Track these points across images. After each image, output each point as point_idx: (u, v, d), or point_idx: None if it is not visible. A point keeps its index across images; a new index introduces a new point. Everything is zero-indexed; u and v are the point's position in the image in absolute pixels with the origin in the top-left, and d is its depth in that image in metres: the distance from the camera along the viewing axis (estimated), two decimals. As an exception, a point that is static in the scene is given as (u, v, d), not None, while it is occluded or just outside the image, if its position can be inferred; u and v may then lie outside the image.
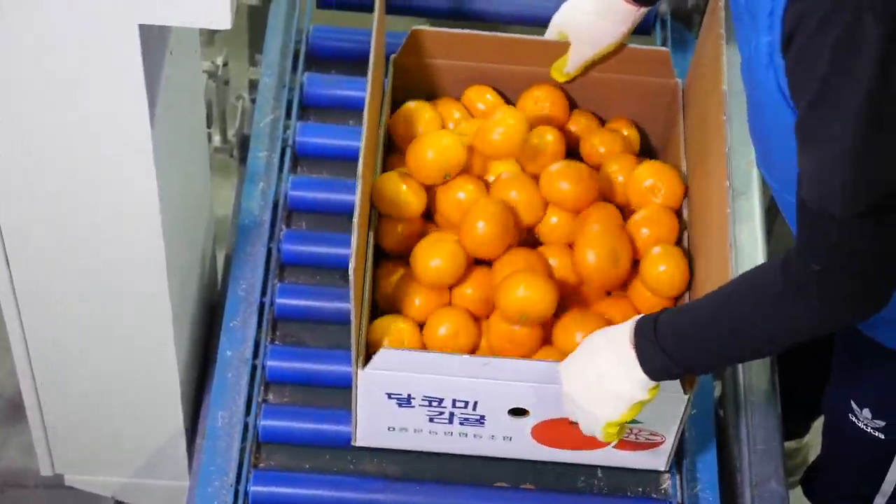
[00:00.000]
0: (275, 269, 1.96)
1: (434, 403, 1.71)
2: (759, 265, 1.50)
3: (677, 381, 1.64)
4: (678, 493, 1.81)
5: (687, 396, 1.67)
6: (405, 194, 1.81)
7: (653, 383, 1.56)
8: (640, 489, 1.82)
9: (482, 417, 1.73)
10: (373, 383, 1.68)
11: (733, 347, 1.53)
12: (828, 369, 1.96)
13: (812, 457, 2.43)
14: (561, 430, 1.73)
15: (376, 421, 1.74)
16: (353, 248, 1.57)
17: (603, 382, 1.58)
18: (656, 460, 1.79)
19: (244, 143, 2.38)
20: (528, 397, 1.69)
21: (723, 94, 1.69)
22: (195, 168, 1.94)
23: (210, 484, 1.78)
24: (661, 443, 1.75)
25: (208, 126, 2.27)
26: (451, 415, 1.73)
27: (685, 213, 1.86)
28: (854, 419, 1.84)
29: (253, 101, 2.34)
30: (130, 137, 1.59)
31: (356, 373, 1.67)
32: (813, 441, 2.49)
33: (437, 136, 1.86)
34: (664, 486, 1.82)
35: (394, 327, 1.74)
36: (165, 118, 1.65)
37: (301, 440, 1.84)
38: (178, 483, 2.09)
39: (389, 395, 1.70)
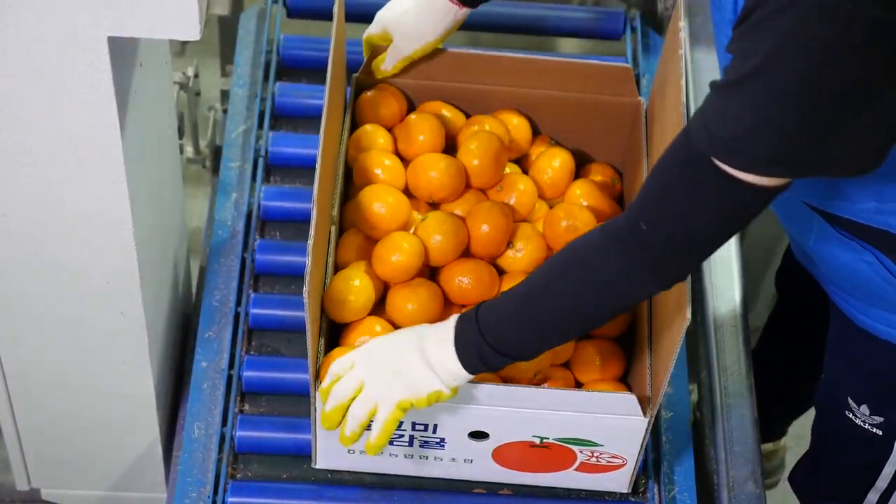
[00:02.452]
0: (249, 280, 1.96)
1: None
2: (584, 236, 1.53)
3: (637, 405, 1.65)
4: (655, 497, 1.81)
5: (647, 419, 1.67)
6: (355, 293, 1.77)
7: (462, 381, 1.58)
8: (605, 492, 1.82)
9: (442, 440, 1.72)
10: None
11: (550, 324, 1.54)
12: (806, 371, 1.96)
13: (789, 458, 2.44)
14: (522, 453, 1.73)
15: (336, 443, 1.73)
16: (307, 273, 1.56)
17: (410, 367, 1.59)
18: (618, 483, 1.79)
19: (217, 154, 2.38)
20: (487, 420, 1.69)
21: (682, 115, 1.69)
22: (167, 180, 1.94)
23: (187, 496, 1.78)
24: (623, 465, 1.75)
25: (180, 137, 2.27)
26: (412, 437, 1.72)
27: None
28: (851, 416, 1.84)
29: (225, 111, 2.34)
30: (101, 150, 1.59)
31: (314, 395, 1.66)
32: (789, 442, 2.50)
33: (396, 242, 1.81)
34: (641, 489, 1.82)
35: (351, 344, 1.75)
36: (136, 130, 1.65)
37: (278, 450, 1.83)
38: (156, 495, 2.09)
39: None
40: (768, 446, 2.45)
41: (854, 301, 1.75)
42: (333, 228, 1.79)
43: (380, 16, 1.89)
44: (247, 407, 1.88)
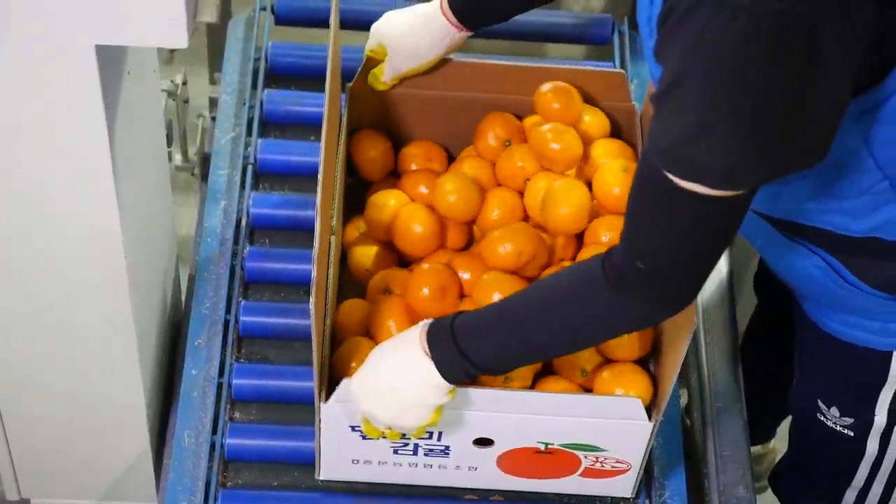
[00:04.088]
0: (239, 287, 1.96)
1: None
2: (578, 265, 1.53)
3: (642, 409, 1.65)
4: (647, 502, 1.81)
5: (652, 423, 1.67)
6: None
7: (452, 386, 1.58)
8: (610, 497, 1.82)
9: (447, 448, 1.72)
10: (336, 416, 1.67)
11: (538, 346, 1.55)
12: (786, 375, 1.97)
13: (778, 460, 2.45)
14: (526, 459, 1.73)
15: (340, 454, 1.73)
16: (314, 282, 1.56)
17: (400, 396, 1.58)
18: (623, 487, 1.79)
19: (205, 162, 2.37)
20: (492, 427, 1.69)
21: None
22: (156, 188, 1.94)
23: (178, 504, 1.78)
24: (627, 470, 1.75)
25: (169, 145, 2.27)
26: (416, 446, 1.72)
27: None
28: (822, 418, 1.85)
29: (213, 119, 2.34)
30: (90, 159, 1.59)
31: (318, 406, 1.66)
32: (779, 445, 2.51)
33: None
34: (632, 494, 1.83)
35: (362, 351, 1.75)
36: (125, 139, 1.65)
37: (268, 458, 1.83)
38: (146, 504, 2.09)
39: (353, 428, 1.69)
40: (758, 449, 2.45)
41: (814, 305, 1.76)
42: (334, 239, 1.79)
43: (377, 30, 1.88)
44: (237, 415, 1.87)
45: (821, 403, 1.84)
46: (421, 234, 1.86)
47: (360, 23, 2.24)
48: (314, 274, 1.56)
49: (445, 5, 1.81)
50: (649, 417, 1.66)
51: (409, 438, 1.70)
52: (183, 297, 2.17)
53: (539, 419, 1.67)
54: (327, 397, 1.65)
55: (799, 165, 1.38)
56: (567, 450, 1.71)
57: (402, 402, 1.58)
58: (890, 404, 1.78)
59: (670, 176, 1.36)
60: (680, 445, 1.86)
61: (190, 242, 2.21)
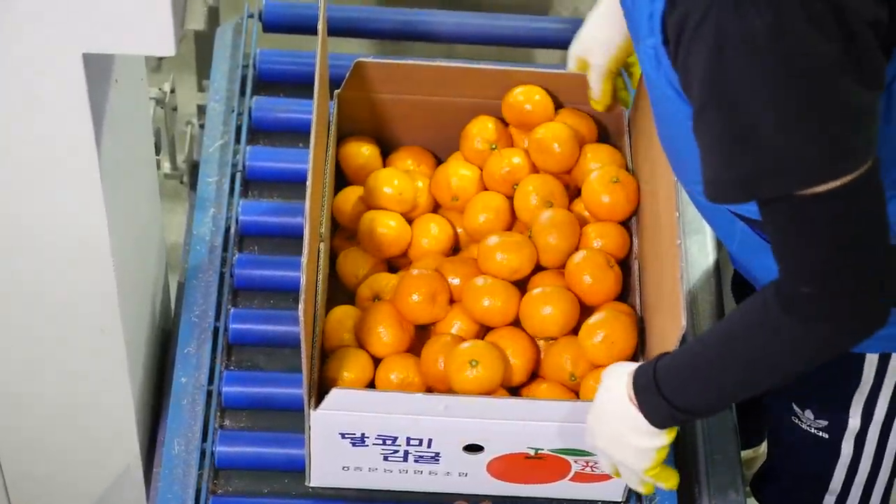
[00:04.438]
0: (228, 295, 1.96)
1: (388, 442, 1.70)
2: (754, 296, 1.47)
3: None
4: (637, 506, 1.82)
5: None
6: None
7: (665, 429, 1.57)
8: (600, 501, 1.82)
9: (437, 455, 1.72)
10: (326, 423, 1.68)
11: (740, 386, 1.51)
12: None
13: (769, 465, 2.45)
14: (516, 465, 1.73)
15: (330, 460, 1.73)
16: (303, 289, 1.56)
17: (624, 439, 1.58)
18: (613, 491, 1.79)
19: (194, 169, 2.38)
20: (482, 433, 1.69)
21: None
22: (145, 195, 1.94)
23: (168, 512, 1.77)
24: None
25: (157, 153, 2.27)
26: (406, 453, 1.72)
27: (634, 225, 1.87)
28: (797, 421, 1.85)
29: (202, 126, 2.34)
30: (77, 167, 1.58)
31: (308, 414, 1.66)
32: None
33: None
34: (623, 500, 1.83)
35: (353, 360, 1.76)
36: (113, 147, 1.64)
37: (259, 465, 1.83)
38: (137, 512, 2.08)
39: (343, 435, 1.69)
40: (748, 453, 2.45)
41: None
42: (322, 245, 1.79)
43: (576, 50, 1.87)
44: (227, 422, 1.87)
45: (795, 406, 1.84)
46: (387, 234, 1.86)
47: (347, 30, 2.25)
48: (303, 280, 1.56)
49: None
50: None
51: (399, 445, 1.69)
52: (172, 305, 2.16)
53: (528, 425, 1.67)
54: (317, 405, 1.65)
55: (862, 151, 1.32)
56: (557, 455, 1.72)
57: (626, 444, 1.57)
58: (864, 406, 1.78)
59: (775, 192, 1.33)
60: (670, 450, 1.86)
61: (179, 250, 2.21)
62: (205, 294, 1.95)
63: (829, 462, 1.86)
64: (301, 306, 1.54)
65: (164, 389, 1.98)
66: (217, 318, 1.93)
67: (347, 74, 1.93)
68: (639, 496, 1.82)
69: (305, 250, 1.60)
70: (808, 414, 1.83)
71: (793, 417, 1.85)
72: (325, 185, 1.85)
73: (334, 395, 1.64)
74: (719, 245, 2.13)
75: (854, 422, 1.80)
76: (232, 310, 1.94)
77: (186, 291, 1.96)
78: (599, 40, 1.83)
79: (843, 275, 1.38)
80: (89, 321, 1.78)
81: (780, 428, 1.90)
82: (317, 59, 1.78)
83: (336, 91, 1.95)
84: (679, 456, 1.90)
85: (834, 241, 1.36)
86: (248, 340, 1.93)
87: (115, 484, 2.04)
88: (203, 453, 1.82)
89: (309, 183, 1.65)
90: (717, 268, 2.10)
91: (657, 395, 1.53)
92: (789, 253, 1.39)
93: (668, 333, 1.61)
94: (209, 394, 1.87)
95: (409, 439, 1.70)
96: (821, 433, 1.83)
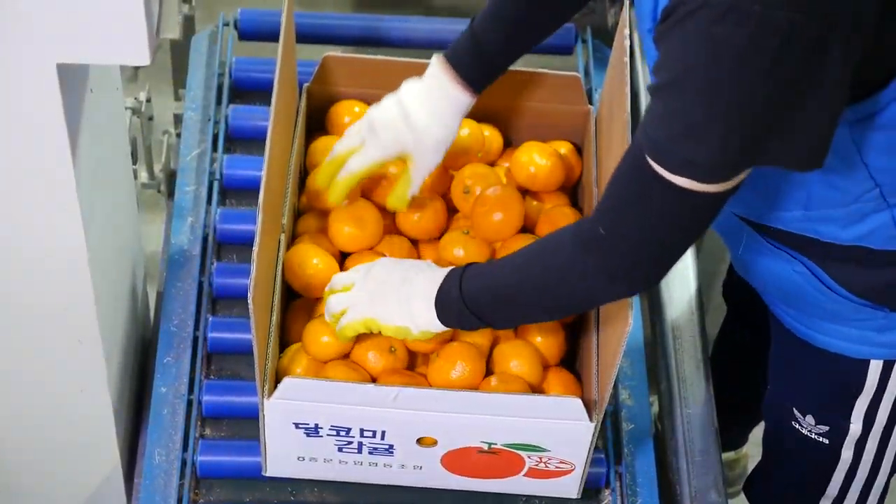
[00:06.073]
0: (207, 303, 1.96)
1: (342, 433, 1.70)
2: (560, 229, 1.56)
3: (583, 409, 1.65)
4: (619, 509, 1.82)
5: (594, 423, 1.67)
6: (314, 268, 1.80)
7: (432, 329, 1.64)
8: (554, 496, 1.82)
9: (391, 447, 1.72)
10: (279, 412, 1.68)
11: (522, 302, 1.59)
12: (757, 381, 1.97)
13: (751, 466, 2.45)
14: (470, 459, 1.74)
15: (285, 450, 1.73)
16: (252, 279, 1.55)
17: (398, 295, 1.65)
18: (567, 488, 1.79)
19: (171, 178, 2.37)
20: (435, 426, 1.69)
21: (626, 123, 1.70)
22: (122, 205, 1.93)
23: (149, 523, 1.77)
24: (571, 471, 1.75)
25: (134, 162, 2.26)
26: (360, 444, 1.72)
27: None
28: (797, 426, 1.85)
29: (178, 135, 2.33)
30: (53, 178, 1.58)
31: (262, 402, 1.66)
32: (751, 451, 2.51)
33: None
34: (604, 501, 1.83)
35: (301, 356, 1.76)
36: (88, 157, 1.64)
37: (240, 474, 1.83)
38: (118, 523, 2.07)
39: (297, 425, 1.69)
40: (730, 455, 2.45)
41: (790, 311, 1.76)
42: (283, 237, 1.79)
43: (390, 140, 1.74)
44: (208, 431, 1.87)
45: (796, 411, 1.84)
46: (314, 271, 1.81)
47: (322, 36, 2.24)
48: (253, 270, 1.56)
49: (455, 77, 1.73)
50: (590, 417, 1.67)
51: (353, 436, 1.70)
52: (151, 315, 2.16)
53: (481, 419, 1.67)
54: (270, 394, 1.65)
55: (798, 168, 1.39)
56: (510, 450, 1.72)
57: (382, 295, 1.66)
58: (866, 412, 1.78)
59: (656, 166, 1.38)
60: (651, 451, 1.86)
61: (157, 259, 2.20)
62: (184, 303, 1.95)
63: (828, 467, 1.86)
64: (250, 294, 1.54)
65: (143, 399, 1.97)
66: (196, 327, 1.93)
67: (316, 69, 1.93)
68: (619, 482, 1.82)
69: (257, 239, 1.59)
70: (809, 419, 1.83)
71: (793, 422, 1.85)
72: (290, 177, 1.84)
73: (286, 384, 1.64)
74: (701, 262, 2.13)
75: (855, 428, 1.80)
76: (211, 319, 1.94)
77: (165, 301, 1.95)
78: (433, 133, 1.74)
79: (645, 248, 1.46)
80: (67, 332, 1.78)
81: (779, 432, 1.90)
82: (279, 51, 1.77)
83: (305, 84, 1.95)
84: (660, 458, 1.91)
85: (665, 224, 1.43)
86: (227, 349, 1.93)
87: (95, 495, 2.03)
88: (184, 463, 1.82)
89: (264, 175, 1.65)
90: (700, 286, 2.09)
91: (457, 288, 1.60)
92: (619, 205, 1.45)
93: (615, 330, 1.63)
94: (189, 403, 1.87)
95: (362, 430, 1.69)
96: (821, 438, 1.83)
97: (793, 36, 1.27)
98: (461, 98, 1.74)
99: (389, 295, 1.66)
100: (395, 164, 1.83)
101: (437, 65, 1.74)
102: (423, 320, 1.64)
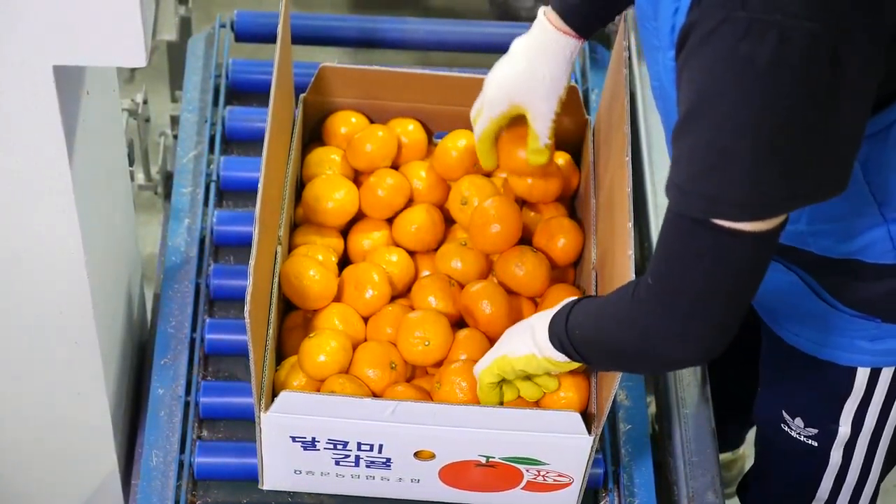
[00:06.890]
0: (204, 305, 1.96)
1: (339, 447, 1.70)
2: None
3: (582, 423, 1.65)
4: (616, 510, 1.82)
5: (592, 437, 1.67)
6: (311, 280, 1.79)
7: (546, 354, 1.60)
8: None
9: (388, 460, 1.72)
10: (276, 426, 1.67)
11: (602, 355, 1.57)
12: (753, 383, 1.97)
13: (748, 467, 2.45)
14: (468, 472, 1.73)
15: (282, 464, 1.72)
16: (249, 293, 1.55)
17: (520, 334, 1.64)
18: (566, 501, 1.78)
19: (168, 180, 2.37)
20: (433, 440, 1.69)
21: (626, 135, 1.70)
22: (119, 207, 1.93)
23: (147, 524, 1.77)
24: (569, 484, 1.75)
25: (131, 164, 2.26)
26: (357, 458, 1.71)
27: (594, 253, 1.85)
28: (787, 429, 1.85)
29: (175, 137, 2.33)
30: (50, 179, 1.58)
31: (258, 416, 1.66)
32: (748, 451, 2.51)
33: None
34: (602, 502, 1.83)
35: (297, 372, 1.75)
36: (85, 159, 1.64)
37: (237, 475, 1.83)
38: (115, 526, 2.07)
39: (294, 438, 1.69)
40: (727, 456, 2.45)
41: (782, 319, 1.76)
42: (280, 249, 1.79)
43: (504, 94, 1.72)
44: (205, 433, 1.87)
45: (785, 413, 1.85)
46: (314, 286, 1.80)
47: (312, 38, 2.24)
48: (249, 284, 1.56)
49: (560, 23, 1.69)
50: (589, 431, 1.67)
51: (350, 450, 1.70)
52: (148, 317, 2.16)
53: (479, 432, 1.67)
54: (267, 408, 1.65)
55: (825, 193, 1.34)
56: (508, 463, 1.71)
57: (512, 338, 1.65)
58: (854, 415, 1.78)
59: (690, 212, 1.33)
60: (649, 452, 1.87)
61: (154, 261, 2.21)
62: (181, 305, 1.95)
63: (818, 470, 1.86)
64: (247, 308, 1.54)
65: (140, 401, 1.97)
66: (193, 328, 1.93)
67: (312, 79, 1.93)
68: (616, 483, 1.82)
69: (254, 251, 1.59)
70: (798, 422, 1.83)
71: (782, 424, 1.85)
72: (286, 188, 1.84)
73: (283, 398, 1.64)
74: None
75: (844, 430, 1.80)
76: (208, 320, 1.94)
77: (162, 302, 1.95)
78: (540, 77, 1.71)
79: (704, 305, 1.39)
80: (64, 334, 1.78)
81: (770, 434, 1.90)
82: (276, 56, 1.77)
83: (301, 95, 1.95)
84: (657, 459, 1.91)
85: (716, 274, 1.36)
86: (224, 351, 1.93)
87: (93, 497, 2.03)
88: (181, 465, 1.82)
89: (260, 186, 1.65)
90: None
91: (564, 319, 1.57)
92: (667, 259, 1.39)
93: None
94: (186, 405, 1.87)
95: (359, 444, 1.69)
96: (810, 441, 1.83)
97: (814, 45, 1.24)
98: (566, 42, 1.69)
99: (514, 334, 1.65)
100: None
101: (542, 14, 1.71)
102: (543, 342, 1.60)
